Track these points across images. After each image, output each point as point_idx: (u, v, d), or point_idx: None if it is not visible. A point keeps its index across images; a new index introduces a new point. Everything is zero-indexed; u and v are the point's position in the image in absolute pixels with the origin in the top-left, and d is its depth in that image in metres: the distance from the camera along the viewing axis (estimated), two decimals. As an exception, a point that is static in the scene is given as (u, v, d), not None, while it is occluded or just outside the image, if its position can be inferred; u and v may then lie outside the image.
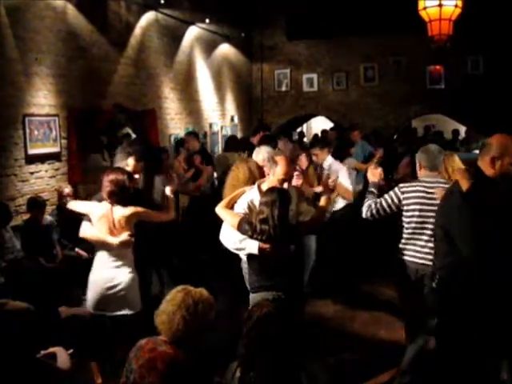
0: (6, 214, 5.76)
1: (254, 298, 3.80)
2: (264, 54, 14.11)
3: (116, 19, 8.38)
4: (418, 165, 4.28)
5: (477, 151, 5.35)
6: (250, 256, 3.83)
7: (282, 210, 3.67)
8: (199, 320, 2.67)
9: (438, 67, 12.76)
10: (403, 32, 11.78)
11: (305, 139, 15.45)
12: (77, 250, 6.60)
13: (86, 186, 7.53)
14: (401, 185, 4.22)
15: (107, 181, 4.28)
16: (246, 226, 3.78)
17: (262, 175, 4.54)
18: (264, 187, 4.08)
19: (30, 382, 2.52)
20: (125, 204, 4.31)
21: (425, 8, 7.83)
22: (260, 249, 3.68)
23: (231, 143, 8.19)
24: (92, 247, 6.65)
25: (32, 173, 6.67)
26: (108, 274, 4.34)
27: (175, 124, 10.17)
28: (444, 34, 7.82)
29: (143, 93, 9.13)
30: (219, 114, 12.38)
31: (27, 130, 6.48)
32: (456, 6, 7.68)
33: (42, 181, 6.83)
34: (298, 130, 18.07)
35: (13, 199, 6.34)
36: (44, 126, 6.76)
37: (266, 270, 3.76)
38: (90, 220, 4.38)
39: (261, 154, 4.90)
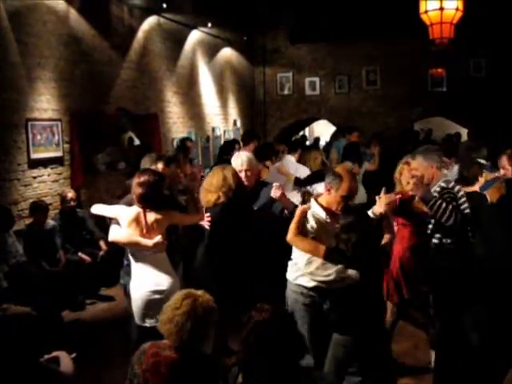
0: (9, 218, 5.77)
1: None
2: (266, 57, 14.13)
3: (118, 23, 8.41)
4: None
5: (482, 160, 5.35)
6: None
7: (364, 235, 3.52)
8: (205, 326, 2.67)
9: (439, 70, 12.76)
10: (405, 35, 11.80)
11: (307, 143, 15.46)
12: (80, 254, 6.62)
13: (88, 190, 7.56)
14: None
15: (138, 183, 3.98)
16: (336, 254, 3.55)
17: (240, 181, 4.54)
18: (322, 201, 3.79)
19: (33, 386, 2.52)
20: (157, 207, 4.03)
21: (426, 11, 7.85)
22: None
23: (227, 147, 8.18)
24: (94, 252, 6.76)
25: (35, 177, 6.69)
26: (149, 279, 4.06)
27: (177, 128, 10.19)
28: (445, 38, 7.84)
29: (146, 97, 9.15)
30: (222, 118, 12.39)
31: (30, 135, 6.50)
32: (457, 9, 7.69)
33: (45, 185, 6.85)
34: (301, 133, 18.09)
35: (15, 203, 6.36)
36: (47, 131, 6.78)
37: None
38: (117, 223, 4.10)
39: (240, 159, 4.82)
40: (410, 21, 8.91)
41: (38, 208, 6.24)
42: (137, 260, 4.06)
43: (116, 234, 4.08)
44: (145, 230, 3.99)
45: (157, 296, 4.00)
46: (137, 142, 9.68)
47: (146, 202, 3.98)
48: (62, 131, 7.03)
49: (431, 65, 12.65)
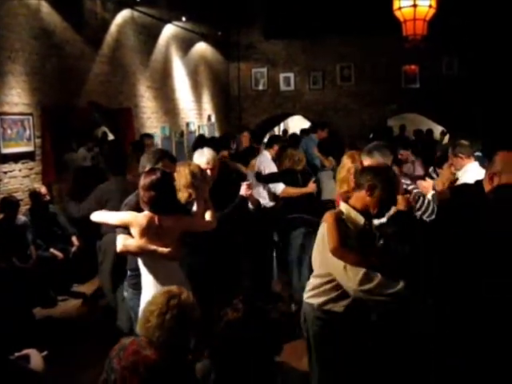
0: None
1: None
2: (241, 52, 14.11)
3: (91, 17, 8.31)
4: None
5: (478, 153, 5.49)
6: None
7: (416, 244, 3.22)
8: (183, 323, 2.60)
9: (413, 67, 12.91)
10: (379, 32, 11.88)
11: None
12: (51, 250, 6.54)
13: (59, 185, 7.47)
14: None
15: (147, 186, 3.51)
16: (389, 263, 3.14)
17: (205, 178, 4.29)
18: (353, 203, 3.28)
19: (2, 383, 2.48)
20: (170, 212, 3.62)
21: (400, 8, 7.91)
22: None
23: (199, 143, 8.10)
24: (66, 248, 6.69)
25: (5, 172, 6.57)
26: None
27: (151, 123, 10.11)
28: (418, 34, 7.91)
29: (119, 91, 9.06)
30: (196, 113, 12.34)
31: (0, 129, 6.39)
32: (430, 6, 7.77)
33: (16, 180, 6.74)
34: (282, 128, 18.14)
35: (-15, 199, 6.25)
36: (18, 125, 6.67)
37: None
38: (124, 231, 3.64)
39: (204, 157, 4.63)
40: (384, 17, 8.97)
41: (9, 204, 6.13)
42: (150, 271, 3.64)
43: (126, 243, 3.60)
44: (157, 237, 3.57)
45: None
46: (111, 136, 9.59)
47: (158, 207, 3.55)
48: (34, 126, 6.92)
49: (405, 62, 12.78)
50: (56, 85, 7.41)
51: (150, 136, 8.59)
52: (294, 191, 5.99)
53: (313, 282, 3.37)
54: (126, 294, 4.06)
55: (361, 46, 13.15)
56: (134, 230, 3.57)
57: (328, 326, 3.25)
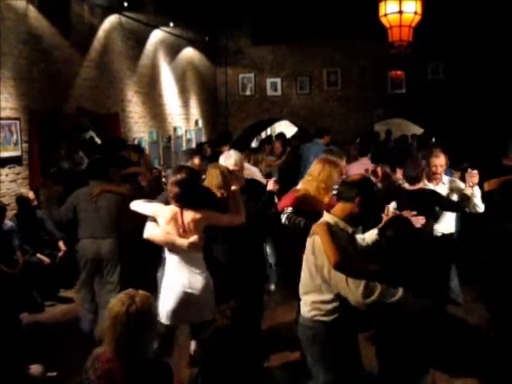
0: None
1: None
2: (228, 58, 14.13)
3: (79, 22, 8.31)
4: None
5: None
6: None
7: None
8: (138, 332, 2.58)
9: (399, 72, 13.01)
10: (365, 38, 11.95)
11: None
12: (38, 255, 6.51)
13: (46, 190, 7.43)
14: None
15: (174, 182, 3.91)
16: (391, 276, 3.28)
17: (237, 178, 4.53)
18: (338, 214, 3.36)
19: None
20: (194, 206, 3.96)
21: (385, 14, 7.99)
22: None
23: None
24: (53, 253, 6.66)
25: (-8, 177, 6.55)
26: (183, 279, 4.02)
27: (139, 128, 10.11)
28: (404, 40, 8.00)
29: (106, 96, 9.06)
30: (183, 118, 12.35)
31: (-13, 134, 6.37)
32: (415, 13, 7.86)
33: (3, 185, 6.71)
34: (269, 133, 18.14)
35: (-28, 204, 6.21)
36: (5, 130, 6.65)
37: None
38: (154, 221, 4.05)
39: (232, 159, 4.84)
40: (371, 23, 9.04)
41: (-4, 209, 6.10)
42: (172, 258, 4.05)
43: (152, 231, 4.02)
44: (181, 230, 3.94)
45: (188, 297, 4.00)
46: (98, 141, 9.56)
47: (183, 201, 3.92)
48: (21, 130, 6.91)
49: (391, 67, 12.87)
50: (43, 89, 7.40)
51: (138, 149, 8.29)
52: None
53: (313, 298, 3.33)
54: (158, 274, 4.55)
55: (347, 52, 13.25)
56: (160, 221, 3.96)
57: (340, 339, 3.32)
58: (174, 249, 4.01)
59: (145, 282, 4.49)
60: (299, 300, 3.49)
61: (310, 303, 3.34)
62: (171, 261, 4.07)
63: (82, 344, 4.80)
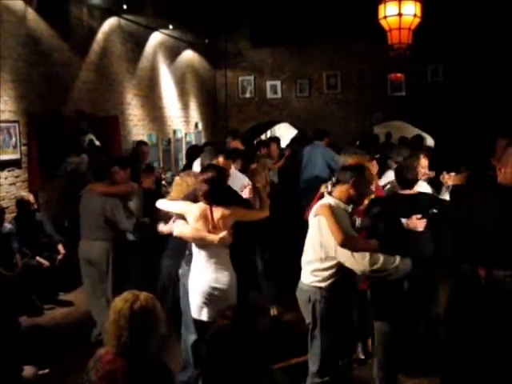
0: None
1: None
2: (228, 60, 14.13)
3: (78, 24, 8.29)
4: None
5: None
6: None
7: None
8: (142, 329, 2.59)
9: (399, 75, 12.99)
10: (365, 40, 11.95)
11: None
12: (37, 258, 6.50)
13: (45, 193, 7.42)
14: None
15: (203, 180, 4.08)
16: (388, 245, 3.75)
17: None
18: (337, 196, 3.94)
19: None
20: (223, 203, 4.12)
21: (385, 17, 7.98)
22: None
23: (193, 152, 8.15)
24: (52, 256, 6.64)
25: (-9, 180, 6.54)
26: (211, 274, 4.14)
27: (138, 130, 10.10)
28: (403, 43, 7.98)
29: (106, 99, 9.04)
30: (183, 121, 12.34)
31: (-14, 137, 6.35)
32: (415, 15, 7.84)
33: (2, 188, 6.69)
34: (269, 135, 18.11)
35: (-29, 207, 6.20)
36: (4, 133, 6.62)
37: None
38: (183, 218, 4.21)
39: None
40: (370, 26, 9.04)
41: (-5, 211, 6.09)
42: (200, 254, 4.16)
43: (182, 228, 4.17)
44: (211, 226, 4.09)
45: (215, 292, 4.11)
46: (98, 144, 9.56)
47: (212, 199, 4.07)
48: (20, 133, 6.88)
49: (390, 70, 12.87)
50: (42, 92, 7.39)
51: (145, 144, 8.73)
52: None
53: (314, 267, 3.88)
54: (181, 271, 4.53)
55: (347, 55, 13.24)
56: (189, 218, 4.12)
57: (332, 301, 3.86)
58: (203, 245, 4.13)
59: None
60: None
61: (310, 272, 3.90)
62: (199, 257, 4.18)
63: (81, 347, 4.78)
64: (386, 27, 8.07)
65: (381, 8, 8.04)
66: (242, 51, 14.05)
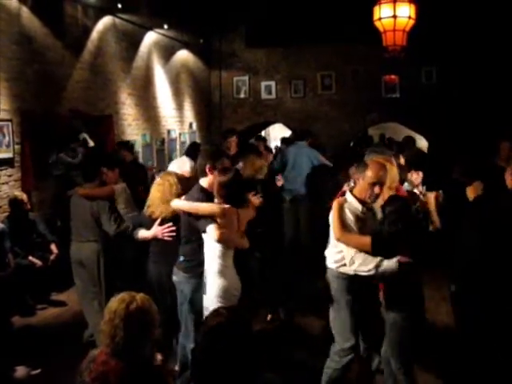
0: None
1: None
2: (223, 60, 14.12)
3: (72, 23, 8.27)
4: None
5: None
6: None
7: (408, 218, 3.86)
8: (137, 330, 2.58)
9: (393, 77, 13.02)
10: (360, 42, 11.99)
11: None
12: (30, 258, 6.46)
13: (39, 192, 7.39)
14: None
15: (223, 183, 4.05)
16: (381, 241, 3.76)
17: (186, 186, 4.55)
18: (356, 193, 4.00)
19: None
20: (242, 204, 4.16)
21: (380, 19, 7.99)
22: (400, 264, 3.71)
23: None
24: (45, 256, 6.61)
25: (-16, 179, 6.50)
26: (236, 281, 4.15)
27: (132, 130, 10.08)
28: (398, 45, 8.00)
29: (100, 98, 9.01)
30: (177, 121, 12.32)
31: (-21, 135, 6.32)
32: (409, 17, 7.86)
33: (-6, 187, 6.67)
34: (263, 134, 18.07)
35: (-37, 206, 6.17)
36: (-3, 131, 6.60)
37: None
38: (210, 221, 4.02)
39: (188, 166, 4.91)
40: (365, 28, 9.05)
41: (-13, 211, 6.06)
42: (226, 259, 4.06)
43: (222, 233, 3.99)
44: (236, 228, 4.08)
45: (235, 298, 4.10)
46: (91, 143, 9.52)
47: (235, 201, 4.06)
48: (13, 132, 6.85)
49: (385, 71, 12.90)
50: (36, 91, 7.35)
51: (127, 147, 8.28)
52: None
53: (329, 251, 4.13)
54: (175, 278, 4.38)
55: (341, 55, 13.26)
56: (222, 221, 3.98)
57: (342, 283, 4.02)
58: (231, 247, 4.09)
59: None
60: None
61: (328, 254, 4.15)
62: (226, 261, 4.07)
63: (73, 347, 4.76)
64: (381, 29, 8.09)
65: (376, 10, 8.06)
66: (236, 51, 14.04)
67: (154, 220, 4.62)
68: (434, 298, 6.04)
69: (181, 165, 4.96)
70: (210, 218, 3.99)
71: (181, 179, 4.62)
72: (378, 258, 3.73)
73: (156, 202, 4.62)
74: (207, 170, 4.35)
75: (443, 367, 4.71)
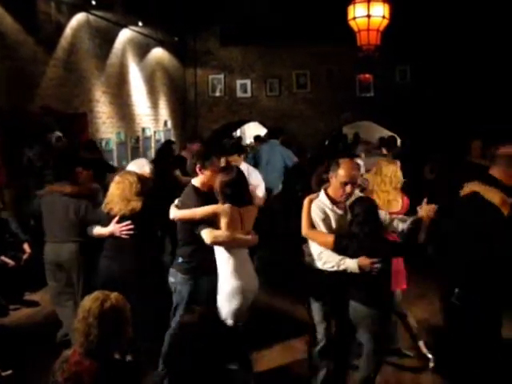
0: None
1: None
2: (198, 58, 14.09)
3: (45, 19, 8.15)
4: None
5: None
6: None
7: (374, 221, 3.87)
8: (111, 328, 2.58)
9: (367, 76, 13.15)
10: (334, 41, 12.06)
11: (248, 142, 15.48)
12: (2, 258, 6.36)
13: (11, 190, 7.28)
14: None
15: (226, 183, 4.01)
16: (344, 241, 3.83)
17: (146, 185, 4.62)
18: (330, 192, 4.05)
19: None
20: (247, 203, 4.13)
21: (354, 18, 8.06)
22: (360, 266, 3.76)
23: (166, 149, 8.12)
24: (18, 256, 6.51)
25: (-46, 177, 6.39)
26: (247, 278, 4.09)
27: (106, 128, 9.99)
28: (372, 44, 8.08)
29: (74, 96, 8.91)
30: (152, 119, 12.26)
31: (-51, 133, 6.20)
32: (383, 17, 7.95)
33: (-35, 185, 6.55)
34: (238, 134, 18.11)
35: None
36: (-33, 129, 6.49)
37: None
38: (209, 225, 4.01)
39: (147, 167, 4.96)
40: (339, 27, 9.11)
41: (-43, 210, 5.96)
42: (236, 258, 4.04)
43: (216, 234, 3.97)
44: (240, 227, 4.06)
45: (251, 295, 4.10)
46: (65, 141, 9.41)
47: (239, 200, 4.03)
48: (-16, 129, 6.75)
49: (359, 71, 13.00)
50: (8, 88, 7.24)
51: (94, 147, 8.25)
52: None
53: (308, 249, 4.14)
54: (172, 279, 4.33)
55: (316, 54, 13.33)
56: (223, 221, 3.97)
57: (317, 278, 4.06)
58: (238, 248, 4.06)
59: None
60: None
61: (304, 248, 4.21)
62: (236, 260, 4.04)
63: (46, 348, 4.72)
64: (355, 28, 8.16)
65: (350, 9, 8.13)
66: (211, 50, 14.03)
67: (112, 217, 4.60)
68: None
69: (140, 166, 4.98)
70: (211, 219, 4.01)
71: (141, 179, 4.64)
72: (341, 257, 3.83)
73: (115, 200, 4.59)
74: (197, 170, 4.35)
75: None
